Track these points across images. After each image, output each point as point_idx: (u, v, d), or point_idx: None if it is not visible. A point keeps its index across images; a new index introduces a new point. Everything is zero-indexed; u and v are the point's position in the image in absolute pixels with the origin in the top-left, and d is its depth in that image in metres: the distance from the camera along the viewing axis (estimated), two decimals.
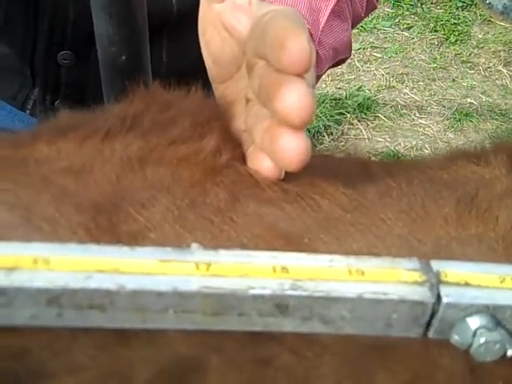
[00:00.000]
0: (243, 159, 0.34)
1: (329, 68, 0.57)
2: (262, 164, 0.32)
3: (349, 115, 2.01)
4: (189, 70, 0.37)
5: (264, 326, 0.26)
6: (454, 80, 2.32)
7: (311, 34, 0.51)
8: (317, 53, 0.52)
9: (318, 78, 0.56)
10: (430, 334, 0.26)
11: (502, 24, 2.44)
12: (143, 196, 0.31)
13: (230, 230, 0.30)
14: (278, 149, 0.30)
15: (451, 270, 0.27)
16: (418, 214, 0.31)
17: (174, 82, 0.38)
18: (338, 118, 2.00)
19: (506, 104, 2.17)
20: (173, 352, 0.26)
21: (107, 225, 0.29)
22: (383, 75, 2.25)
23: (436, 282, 0.26)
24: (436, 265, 0.27)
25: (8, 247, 0.25)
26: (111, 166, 0.33)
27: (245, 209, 0.31)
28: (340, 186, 0.33)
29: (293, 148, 0.30)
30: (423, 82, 2.27)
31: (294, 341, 0.27)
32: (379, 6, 2.47)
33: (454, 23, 2.43)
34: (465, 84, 2.29)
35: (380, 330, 0.26)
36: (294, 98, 0.29)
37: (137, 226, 0.30)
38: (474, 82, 2.29)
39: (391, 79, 2.26)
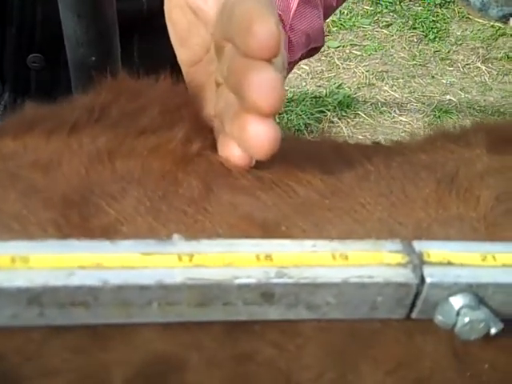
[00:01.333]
0: (215, 147, 0.35)
1: (302, 57, 0.57)
2: (232, 152, 0.33)
3: (329, 113, 2.03)
4: (162, 69, 0.37)
5: (249, 315, 0.26)
6: (433, 77, 2.34)
7: (282, 20, 0.51)
8: (289, 39, 0.52)
9: (292, 65, 0.56)
10: (414, 315, 0.27)
11: (480, 21, 2.48)
12: (113, 188, 0.32)
13: (205, 221, 0.31)
14: (246, 137, 0.30)
15: (433, 250, 0.27)
16: (398, 196, 0.32)
17: (142, 72, 0.38)
18: (319, 116, 2.01)
19: (484, 100, 2.20)
20: (149, 351, 0.26)
21: (78, 220, 0.30)
22: (363, 73, 2.27)
23: (419, 263, 0.26)
24: (418, 245, 0.27)
25: None
26: (79, 159, 0.33)
27: (219, 198, 0.32)
28: (316, 171, 0.34)
29: (261, 136, 0.30)
30: (403, 79, 2.29)
31: (274, 334, 0.27)
32: (358, 4, 2.48)
33: (433, 20, 2.45)
34: (444, 81, 2.32)
35: (365, 313, 0.26)
36: (262, 84, 0.29)
37: (108, 219, 0.30)
38: (453, 79, 2.32)
39: (371, 77, 2.28)
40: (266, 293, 0.26)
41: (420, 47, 2.41)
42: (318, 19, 0.55)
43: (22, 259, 0.25)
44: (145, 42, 0.69)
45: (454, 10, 2.53)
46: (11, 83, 0.70)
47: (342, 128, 2.02)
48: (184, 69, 0.40)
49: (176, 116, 0.36)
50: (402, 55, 2.35)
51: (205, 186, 0.32)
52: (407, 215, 0.31)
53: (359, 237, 0.30)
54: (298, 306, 0.27)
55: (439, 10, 2.53)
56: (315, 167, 0.34)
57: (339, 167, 0.34)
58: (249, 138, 0.30)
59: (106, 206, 0.31)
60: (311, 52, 0.59)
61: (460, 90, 2.24)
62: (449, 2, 2.55)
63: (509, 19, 2.38)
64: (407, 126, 2.07)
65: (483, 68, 2.33)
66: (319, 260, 0.27)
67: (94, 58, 0.53)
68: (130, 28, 0.67)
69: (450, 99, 2.18)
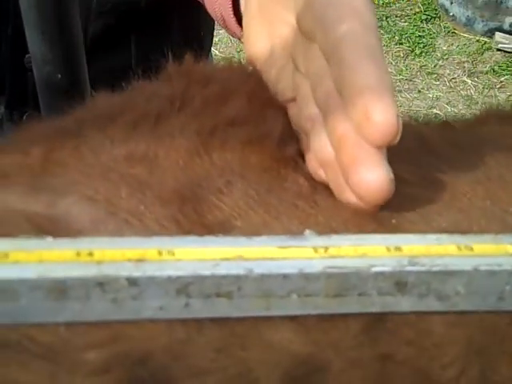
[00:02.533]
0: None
1: None
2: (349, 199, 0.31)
3: None
4: (161, 62, 0.37)
5: (382, 307, 0.27)
6: (419, 91, 2.38)
7: None
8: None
9: None
10: None
11: (466, 35, 2.54)
12: (218, 182, 0.32)
13: (317, 215, 0.32)
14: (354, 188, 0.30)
15: None
16: (498, 183, 0.32)
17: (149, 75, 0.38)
18: None
19: (470, 114, 2.23)
20: (289, 351, 0.27)
21: (195, 216, 0.31)
22: None
23: None
24: None
25: (128, 242, 0.25)
26: (176, 153, 0.33)
27: (326, 196, 0.33)
28: (404, 163, 0.34)
29: (372, 185, 0.29)
30: None
31: (409, 332, 0.28)
32: None
33: (419, 35, 2.51)
34: (430, 95, 2.36)
35: (492, 304, 0.28)
36: (371, 185, 0.29)
37: (222, 214, 0.31)
38: (440, 93, 2.36)
39: None
40: (399, 281, 0.27)
41: (406, 62, 2.46)
42: None
43: (168, 252, 0.25)
44: (143, 35, 0.69)
45: (440, 25, 2.59)
46: (9, 83, 0.69)
47: None
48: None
49: (266, 111, 0.36)
50: (389, 70, 2.38)
51: (310, 184, 0.32)
52: (511, 202, 0.32)
53: (468, 227, 0.31)
54: (429, 296, 0.27)
55: (425, 26, 2.59)
56: (402, 159, 0.34)
57: (424, 157, 0.35)
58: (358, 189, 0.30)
59: (217, 200, 0.31)
60: None
61: (446, 103, 2.29)
62: (434, 18, 2.60)
63: (494, 34, 2.44)
64: None
65: (469, 82, 2.38)
66: (446, 251, 0.28)
67: (59, 76, 0.53)
68: (128, 21, 0.67)
69: (436, 113, 2.23)
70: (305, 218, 0.31)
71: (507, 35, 2.43)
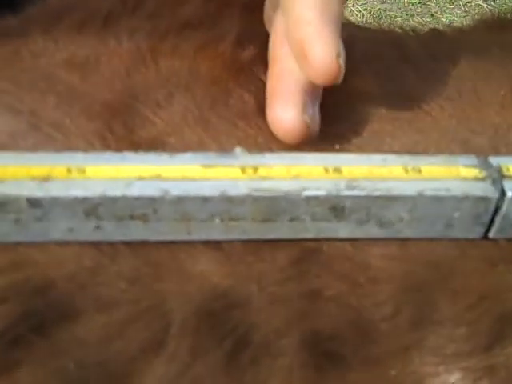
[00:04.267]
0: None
1: None
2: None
3: None
4: None
5: (317, 233, 0.24)
6: (432, 15, 2.29)
7: None
8: None
9: None
10: (492, 234, 0.25)
11: None
12: (159, 94, 0.30)
13: (257, 136, 0.29)
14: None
15: None
16: (469, 100, 0.28)
17: None
18: None
19: None
20: (209, 285, 0.25)
21: (123, 131, 0.28)
22: (360, 11, 2.21)
23: (498, 177, 0.24)
24: (495, 160, 0.25)
25: (35, 158, 0.22)
26: (119, 59, 0.31)
27: None
28: (372, 72, 0.32)
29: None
30: (401, 17, 2.24)
31: (343, 265, 0.26)
32: None
33: None
34: (444, 19, 2.27)
35: (440, 231, 0.25)
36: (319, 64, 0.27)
37: (155, 130, 0.28)
38: (454, 17, 2.26)
39: (368, 15, 2.22)
40: (335, 206, 0.24)
41: None
42: None
43: (79, 170, 0.23)
44: None
45: None
46: None
47: None
48: None
49: (224, 9, 0.33)
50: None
51: (257, 103, 0.30)
52: (480, 122, 0.29)
53: (424, 148, 0.28)
54: (369, 222, 0.25)
55: None
56: (371, 68, 0.32)
57: (399, 67, 0.32)
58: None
59: (152, 115, 0.28)
60: None
61: None
62: None
63: None
64: None
65: (484, 6, 2.28)
66: (391, 173, 0.25)
67: None
68: None
69: None
70: (244, 138, 0.29)
71: None
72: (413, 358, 0.25)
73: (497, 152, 0.29)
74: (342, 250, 0.26)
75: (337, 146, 0.29)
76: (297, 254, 0.26)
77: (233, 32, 0.32)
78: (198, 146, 0.28)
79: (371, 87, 0.31)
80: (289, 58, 0.28)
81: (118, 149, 0.27)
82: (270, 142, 0.28)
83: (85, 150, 0.27)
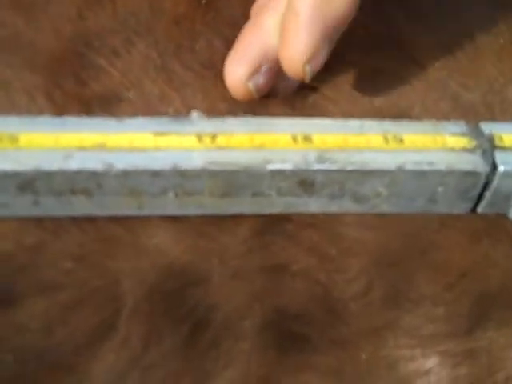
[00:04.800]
0: None
1: None
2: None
3: None
4: None
5: (284, 207, 0.22)
6: None
7: None
8: None
9: None
10: (480, 209, 0.23)
11: None
12: (116, 39, 0.27)
13: (224, 89, 0.25)
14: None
15: (507, 132, 0.22)
16: (464, 48, 0.25)
17: None
18: None
19: None
20: (164, 261, 0.23)
21: (72, 85, 0.25)
22: None
23: (489, 148, 0.21)
24: (487, 127, 0.22)
25: None
26: None
27: None
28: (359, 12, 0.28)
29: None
30: None
31: (312, 235, 0.24)
32: None
33: None
34: None
35: (421, 206, 0.23)
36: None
37: (111, 84, 0.25)
38: None
39: None
40: (304, 181, 0.22)
41: None
42: None
43: (11, 138, 0.20)
44: None
45: None
46: None
47: None
48: None
49: None
50: None
51: (227, 47, 0.26)
52: (474, 75, 0.25)
53: (408, 105, 0.25)
54: (343, 198, 0.22)
55: None
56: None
57: (389, 7, 0.28)
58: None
59: (107, 65, 0.25)
60: None
61: None
62: None
63: None
64: None
65: None
66: (369, 143, 0.22)
67: None
68: None
69: None
70: (212, 91, 0.26)
71: None
72: (386, 340, 0.23)
73: (490, 110, 0.26)
74: (312, 219, 0.23)
75: (310, 100, 0.26)
76: (261, 224, 0.23)
77: None
78: (160, 101, 0.25)
79: (355, 28, 0.28)
80: (270, 17, 0.25)
81: (65, 106, 0.24)
82: None
83: (27, 107, 0.24)
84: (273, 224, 0.23)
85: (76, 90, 0.25)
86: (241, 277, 0.23)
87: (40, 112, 0.24)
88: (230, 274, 0.22)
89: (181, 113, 0.25)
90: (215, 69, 0.26)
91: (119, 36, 0.27)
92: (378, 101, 0.26)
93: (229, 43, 0.26)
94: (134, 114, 0.24)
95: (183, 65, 0.26)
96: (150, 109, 0.25)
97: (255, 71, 0.25)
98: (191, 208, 0.22)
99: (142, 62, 0.26)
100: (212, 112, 0.24)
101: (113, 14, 0.27)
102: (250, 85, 0.25)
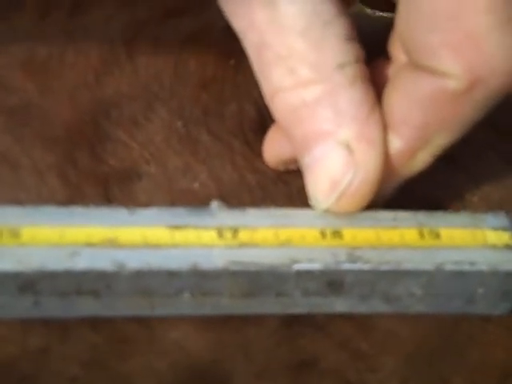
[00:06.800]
0: None
1: None
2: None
3: None
4: None
5: (309, 308, 0.20)
6: None
7: None
8: None
9: None
10: None
11: None
12: (136, 106, 0.24)
13: (255, 159, 0.24)
14: None
15: None
16: None
17: None
18: None
19: None
20: (185, 360, 0.20)
21: (88, 161, 0.23)
22: None
23: None
24: None
25: None
26: (85, 59, 0.25)
27: None
28: None
29: None
30: None
31: (345, 331, 0.21)
32: None
33: None
34: None
35: (458, 307, 0.21)
36: None
37: (130, 157, 0.23)
38: None
39: None
40: (333, 281, 0.19)
41: None
42: None
43: (12, 233, 0.18)
44: None
45: None
46: None
47: None
48: None
49: None
50: None
51: (257, 114, 0.24)
52: None
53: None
54: (374, 298, 0.20)
55: None
56: None
57: None
58: None
59: (126, 137, 0.24)
60: None
61: None
62: None
63: None
64: None
65: None
66: (402, 238, 0.20)
67: None
68: None
69: None
70: (244, 164, 0.23)
71: None
72: None
73: None
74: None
75: None
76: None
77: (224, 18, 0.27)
78: (183, 176, 0.23)
79: None
80: None
81: (80, 186, 0.22)
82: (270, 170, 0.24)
83: (37, 188, 0.22)
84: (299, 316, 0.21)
85: (91, 167, 0.23)
86: (266, 376, 0.20)
87: (52, 194, 0.22)
88: (255, 372, 0.20)
89: (208, 186, 0.23)
90: (245, 136, 0.24)
91: (140, 102, 0.24)
92: None
93: (260, 108, 0.24)
94: (155, 190, 0.22)
95: (212, 132, 0.24)
96: (172, 184, 0.23)
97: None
98: (208, 308, 0.20)
99: (165, 132, 0.24)
100: (241, 185, 0.23)
101: (133, 77, 0.25)
102: (293, 166, 0.23)
